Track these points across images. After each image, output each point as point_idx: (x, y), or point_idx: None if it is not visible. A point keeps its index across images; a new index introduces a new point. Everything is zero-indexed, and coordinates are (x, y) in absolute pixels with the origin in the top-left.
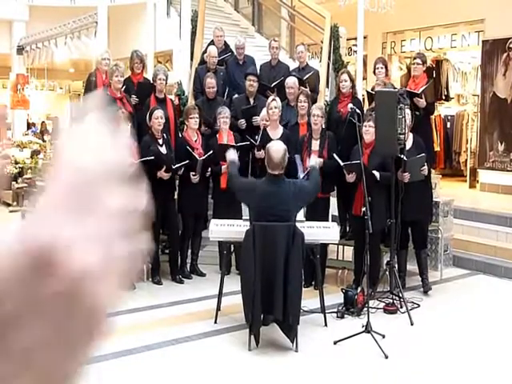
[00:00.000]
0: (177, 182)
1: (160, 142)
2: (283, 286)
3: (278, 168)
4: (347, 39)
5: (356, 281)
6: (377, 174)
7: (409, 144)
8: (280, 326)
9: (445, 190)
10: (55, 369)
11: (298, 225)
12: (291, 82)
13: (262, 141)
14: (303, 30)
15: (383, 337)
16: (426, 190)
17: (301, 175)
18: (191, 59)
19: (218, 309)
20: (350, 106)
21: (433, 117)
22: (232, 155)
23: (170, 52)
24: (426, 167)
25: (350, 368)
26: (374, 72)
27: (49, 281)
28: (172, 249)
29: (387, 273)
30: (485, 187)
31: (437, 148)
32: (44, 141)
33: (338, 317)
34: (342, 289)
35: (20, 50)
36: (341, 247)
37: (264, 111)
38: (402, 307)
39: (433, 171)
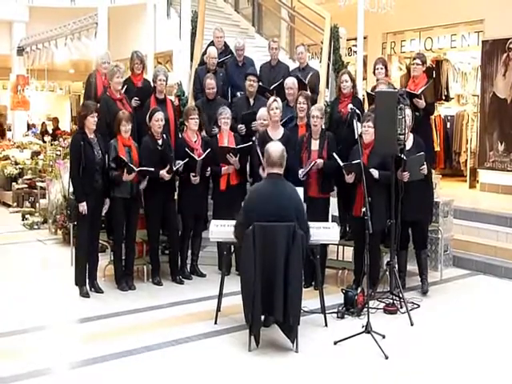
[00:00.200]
0: (177, 182)
1: (159, 142)
2: (283, 286)
3: (277, 165)
4: (347, 40)
5: (356, 281)
6: (375, 172)
7: (409, 144)
8: (280, 327)
9: (445, 190)
10: None
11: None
12: (290, 82)
13: (261, 141)
14: (303, 31)
15: (383, 337)
16: (426, 190)
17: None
18: (191, 60)
19: (218, 309)
20: (350, 106)
21: (433, 117)
22: None
23: (170, 53)
24: (425, 166)
25: (350, 368)
26: (374, 72)
27: None
28: (172, 249)
29: (387, 273)
30: (485, 187)
31: (437, 148)
32: (44, 142)
33: (338, 317)
34: (342, 289)
35: (20, 50)
36: (341, 247)
37: (261, 111)
38: (402, 307)
39: (433, 171)
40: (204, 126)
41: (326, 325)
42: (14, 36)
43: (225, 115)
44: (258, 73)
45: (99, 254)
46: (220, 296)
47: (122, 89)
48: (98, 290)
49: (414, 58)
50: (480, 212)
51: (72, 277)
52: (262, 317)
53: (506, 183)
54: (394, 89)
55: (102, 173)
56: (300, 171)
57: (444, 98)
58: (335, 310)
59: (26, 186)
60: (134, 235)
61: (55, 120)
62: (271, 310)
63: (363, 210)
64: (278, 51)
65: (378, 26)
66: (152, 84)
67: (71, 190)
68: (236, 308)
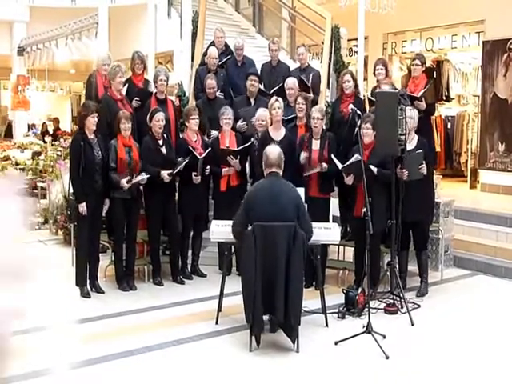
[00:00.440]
0: (177, 183)
1: (160, 142)
2: (284, 286)
3: (275, 166)
4: (348, 40)
5: (357, 281)
6: (374, 168)
7: (413, 144)
8: (281, 327)
9: (445, 191)
10: None
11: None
12: (291, 82)
13: (262, 141)
14: (304, 31)
15: (384, 337)
16: (427, 191)
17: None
18: (192, 60)
19: (219, 309)
20: (351, 106)
21: (433, 117)
22: None
23: (170, 53)
24: (424, 165)
25: (351, 368)
26: (374, 73)
27: None
28: (172, 250)
29: (388, 273)
30: (485, 188)
31: (437, 148)
32: (45, 142)
33: (338, 317)
34: (342, 289)
35: (21, 51)
36: (341, 248)
37: (260, 111)
38: (402, 308)
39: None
40: (203, 126)
41: (327, 325)
42: (14, 36)
43: (226, 115)
44: (259, 73)
45: (100, 255)
46: (221, 296)
47: (122, 89)
48: (99, 291)
49: (414, 59)
50: (480, 212)
51: (73, 277)
52: (268, 323)
53: (507, 183)
54: (395, 89)
55: (102, 173)
56: (304, 174)
57: (445, 98)
58: (336, 310)
59: (27, 186)
60: (134, 235)
61: (56, 120)
62: (272, 310)
63: (364, 210)
64: (278, 52)
65: (379, 27)
66: (153, 84)
67: (71, 190)
68: (237, 308)
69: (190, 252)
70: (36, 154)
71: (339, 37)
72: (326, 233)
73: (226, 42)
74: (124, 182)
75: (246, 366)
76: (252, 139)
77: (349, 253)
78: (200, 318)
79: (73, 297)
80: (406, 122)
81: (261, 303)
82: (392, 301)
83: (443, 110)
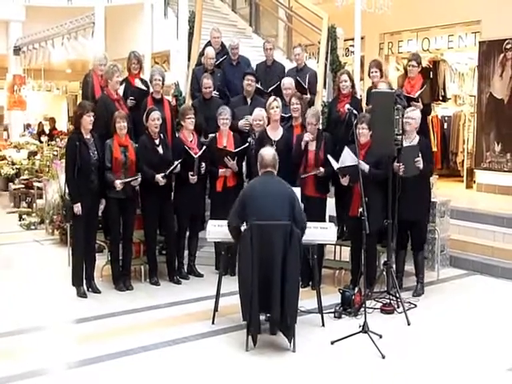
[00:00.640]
0: (173, 183)
1: (157, 142)
2: (281, 285)
3: (270, 166)
4: (344, 40)
5: (353, 281)
6: (365, 166)
7: (414, 143)
8: (278, 326)
9: (442, 191)
10: None
11: None
12: (288, 82)
13: (260, 141)
14: (300, 31)
15: (380, 337)
16: (424, 191)
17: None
18: (188, 60)
19: (216, 309)
20: (347, 106)
21: (430, 117)
22: None
23: (167, 53)
24: (420, 159)
25: (347, 368)
26: (369, 75)
27: None
28: (169, 250)
29: (384, 273)
30: (481, 187)
31: (434, 148)
32: (41, 142)
33: (335, 317)
34: (339, 289)
35: (17, 50)
36: (338, 247)
37: (256, 110)
38: (398, 307)
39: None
40: (199, 126)
41: (323, 325)
42: (10, 35)
43: (224, 115)
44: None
45: (96, 255)
46: (217, 296)
47: (119, 88)
48: (96, 291)
49: (410, 60)
50: (477, 212)
51: (69, 277)
52: (268, 324)
53: (503, 183)
54: (392, 89)
55: (97, 173)
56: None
57: (441, 98)
58: (332, 310)
59: (23, 186)
60: (130, 235)
61: (52, 120)
62: (268, 309)
63: (360, 210)
64: (273, 51)
65: (376, 27)
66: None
67: (67, 190)
68: (233, 308)
69: (186, 252)
70: (32, 154)
71: (336, 37)
72: (323, 232)
73: (222, 42)
74: (117, 182)
75: (242, 366)
76: (249, 139)
77: (345, 253)
78: (196, 317)
79: (69, 297)
80: (402, 121)
81: (257, 302)
82: (388, 300)
83: (439, 110)
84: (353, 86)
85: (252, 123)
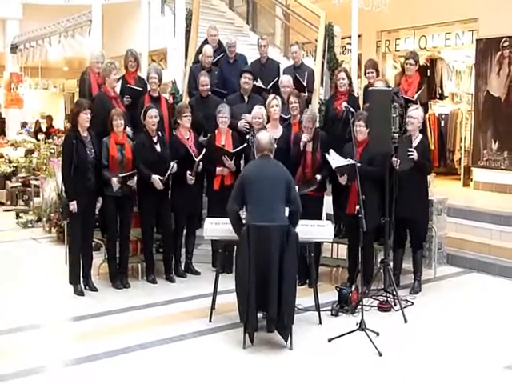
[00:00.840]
0: (170, 181)
1: (155, 140)
2: (278, 284)
3: (266, 150)
4: (342, 38)
5: (350, 279)
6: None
7: (415, 143)
8: (274, 325)
9: (439, 189)
10: None
11: None
12: (286, 80)
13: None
14: (298, 29)
15: (377, 334)
16: (422, 189)
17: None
18: (185, 58)
19: (213, 307)
20: (344, 104)
21: (427, 116)
22: None
23: (164, 50)
24: (414, 152)
25: (344, 366)
26: (365, 75)
27: None
28: (166, 248)
29: (381, 271)
30: (478, 185)
31: (431, 146)
32: (38, 140)
33: (332, 315)
34: (336, 287)
35: (14, 48)
36: (335, 245)
37: (256, 108)
38: (395, 305)
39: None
40: (196, 124)
41: (321, 322)
42: (7, 33)
43: (223, 114)
44: None
45: (93, 253)
46: (214, 294)
47: (116, 86)
48: (93, 288)
49: (407, 58)
50: (474, 210)
51: (66, 275)
52: (265, 321)
53: (500, 181)
54: (388, 87)
55: (94, 171)
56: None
57: (438, 96)
58: (329, 308)
59: (20, 184)
60: (127, 233)
61: (49, 118)
62: (265, 308)
63: (357, 207)
64: (267, 49)
65: (373, 25)
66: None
67: (64, 188)
68: (230, 306)
69: (183, 250)
70: (29, 152)
71: (333, 35)
72: (320, 230)
73: (219, 40)
74: (115, 180)
75: (239, 364)
76: (248, 136)
77: (342, 250)
78: (193, 315)
79: (66, 295)
80: (403, 120)
81: (254, 301)
82: (385, 298)
83: (437, 108)
84: (350, 84)
85: (251, 121)
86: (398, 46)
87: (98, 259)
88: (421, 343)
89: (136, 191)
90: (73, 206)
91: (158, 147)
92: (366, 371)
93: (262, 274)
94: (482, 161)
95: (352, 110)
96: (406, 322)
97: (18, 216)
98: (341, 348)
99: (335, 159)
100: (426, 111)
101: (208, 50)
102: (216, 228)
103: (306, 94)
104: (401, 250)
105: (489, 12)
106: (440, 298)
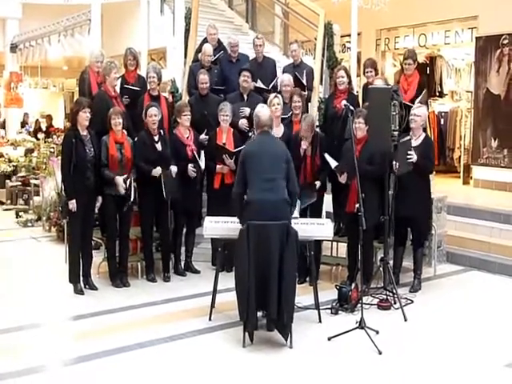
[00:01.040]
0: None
1: (156, 138)
2: (278, 283)
3: (267, 126)
4: (341, 36)
5: (350, 277)
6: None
7: (418, 141)
8: (274, 324)
9: (438, 187)
10: None
11: (292, 221)
12: (287, 79)
13: None
14: (297, 27)
15: (377, 333)
16: (423, 188)
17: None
18: (185, 57)
19: (213, 306)
20: (344, 102)
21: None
22: None
23: (163, 49)
24: (413, 154)
25: (344, 364)
26: (364, 74)
27: None
28: (164, 247)
29: (381, 269)
30: (478, 183)
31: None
32: (38, 139)
33: (332, 313)
34: (336, 285)
35: (13, 47)
36: (335, 244)
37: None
38: (395, 303)
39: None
40: (195, 123)
41: (320, 321)
42: (7, 33)
43: (224, 112)
44: None
45: (93, 251)
46: (214, 292)
47: (117, 85)
48: (93, 287)
49: (406, 58)
50: (474, 208)
51: (66, 274)
52: (265, 320)
53: (500, 179)
54: (388, 85)
55: (94, 170)
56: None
57: (438, 94)
58: (329, 306)
59: (20, 183)
60: (127, 232)
61: (49, 117)
62: (265, 307)
63: (357, 206)
64: (263, 48)
65: (372, 23)
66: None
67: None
68: (230, 304)
69: (183, 248)
70: (29, 151)
71: (332, 33)
72: (319, 229)
73: (218, 39)
74: (120, 179)
75: (239, 362)
76: (250, 134)
77: (342, 249)
78: (193, 314)
79: (66, 294)
80: (406, 118)
81: (254, 300)
82: (385, 296)
83: (436, 106)
84: (349, 82)
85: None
86: (397, 44)
87: (98, 258)
88: (420, 341)
89: (136, 190)
90: (72, 204)
91: (158, 146)
92: (365, 369)
93: (262, 273)
94: (482, 159)
95: (351, 108)
96: (405, 320)
97: (17, 215)
98: (340, 346)
99: (333, 160)
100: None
101: (208, 48)
102: (216, 226)
103: (306, 92)
104: (401, 248)
105: (488, 10)
106: (440, 296)
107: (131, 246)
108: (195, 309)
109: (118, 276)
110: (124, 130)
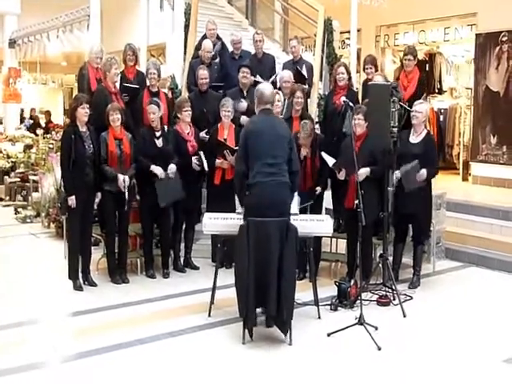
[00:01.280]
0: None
1: (157, 134)
2: (277, 280)
3: (269, 103)
4: (340, 32)
5: (349, 273)
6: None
7: (418, 139)
8: (274, 320)
9: (438, 183)
10: None
11: (292, 218)
12: (287, 75)
13: None
14: (297, 24)
15: (376, 329)
16: (424, 185)
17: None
18: (184, 53)
19: (212, 302)
20: (343, 98)
21: None
22: None
23: (163, 45)
24: (423, 173)
25: (343, 360)
26: (364, 70)
27: None
28: (163, 244)
29: (380, 265)
30: (477, 180)
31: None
32: (37, 135)
33: (331, 309)
34: (335, 281)
35: (12, 43)
36: (334, 240)
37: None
38: (394, 299)
39: None
40: (195, 119)
41: (320, 317)
42: (5, 28)
43: (226, 108)
44: None
45: (92, 248)
46: (214, 289)
47: (117, 81)
48: (92, 284)
49: (406, 54)
50: (473, 205)
51: (65, 270)
52: (264, 317)
53: (499, 176)
54: (387, 81)
55: (93, 166)
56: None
57: (437, 91)
58: (328, 302)
59: (19, 179)
60: (126, 228)
61: (48, 113)
62: (265, 304)
63: (356, 202)
64: (263, 43)
65: (372, 19)
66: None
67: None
68: (230, 301)
69: (182, 245)
70: (28, 147)
71: (332, 29)
72: (319, 225)
73: (218, 34)
74: (121, 176)
75: (239, 359)
76: None
77: (341, 245)
78: (193, 310)
79: (65, 290)
80: (408, 115)
81: (253, 297)
82: (384, 293)
83: (435, 103)
84: (349, 79)
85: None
86: (397, 40)
87: (97, 254)
88: (420, 337)
89: (135, 186)
90: (71, 200)
91: (159, 142)
92: (365, 365)
93: (262, 270)
94: (481, 155)
95: (351, 104)
96: (404, 316)
97: (16, 211)
98: (340, 342)
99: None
100: None
101: (207, 45)
102: (215, 223)
103: (307, 86)
104: (401, 244)
105: (488, 6)
106: (439, 293)
107: (131, 242)
108: (194, 305)
109: (118, 272)
110: (123, 126)
